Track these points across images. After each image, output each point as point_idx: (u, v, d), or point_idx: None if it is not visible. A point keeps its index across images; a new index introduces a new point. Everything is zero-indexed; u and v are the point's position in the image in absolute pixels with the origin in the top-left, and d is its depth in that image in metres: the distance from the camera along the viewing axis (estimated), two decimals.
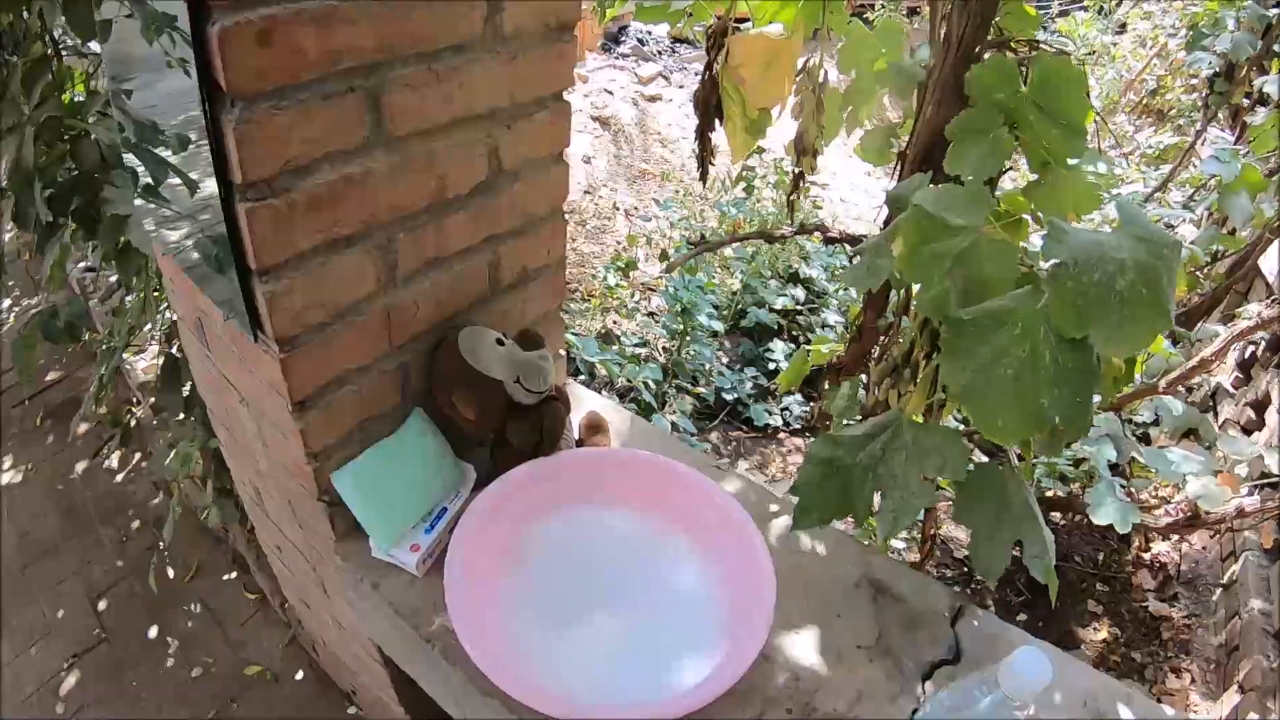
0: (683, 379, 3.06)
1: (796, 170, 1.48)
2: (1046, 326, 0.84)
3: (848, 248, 1.39)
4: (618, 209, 4.52)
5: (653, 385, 2.89)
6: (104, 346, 1.87)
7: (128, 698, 2.01)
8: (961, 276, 0.91)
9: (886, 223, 1.21)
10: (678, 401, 2.93)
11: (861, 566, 1.20)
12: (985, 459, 1.02)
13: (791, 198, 1.54)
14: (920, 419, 1.11)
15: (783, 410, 3.17)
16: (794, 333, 3.43)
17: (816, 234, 1.48)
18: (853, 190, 5.22)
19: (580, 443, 1.32)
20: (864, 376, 1.63)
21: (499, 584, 1.10)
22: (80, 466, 2.62)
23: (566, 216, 1.29)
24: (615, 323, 3.47)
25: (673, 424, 2.77)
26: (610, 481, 1.18)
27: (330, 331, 1.02)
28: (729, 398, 3.10)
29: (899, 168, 1.38)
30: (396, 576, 1.19)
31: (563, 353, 1.46)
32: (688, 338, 3.06)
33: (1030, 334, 0.85)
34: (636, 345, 3.18)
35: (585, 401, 1.49)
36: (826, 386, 1.68)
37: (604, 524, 1.18)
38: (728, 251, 3.70)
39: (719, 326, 3.14)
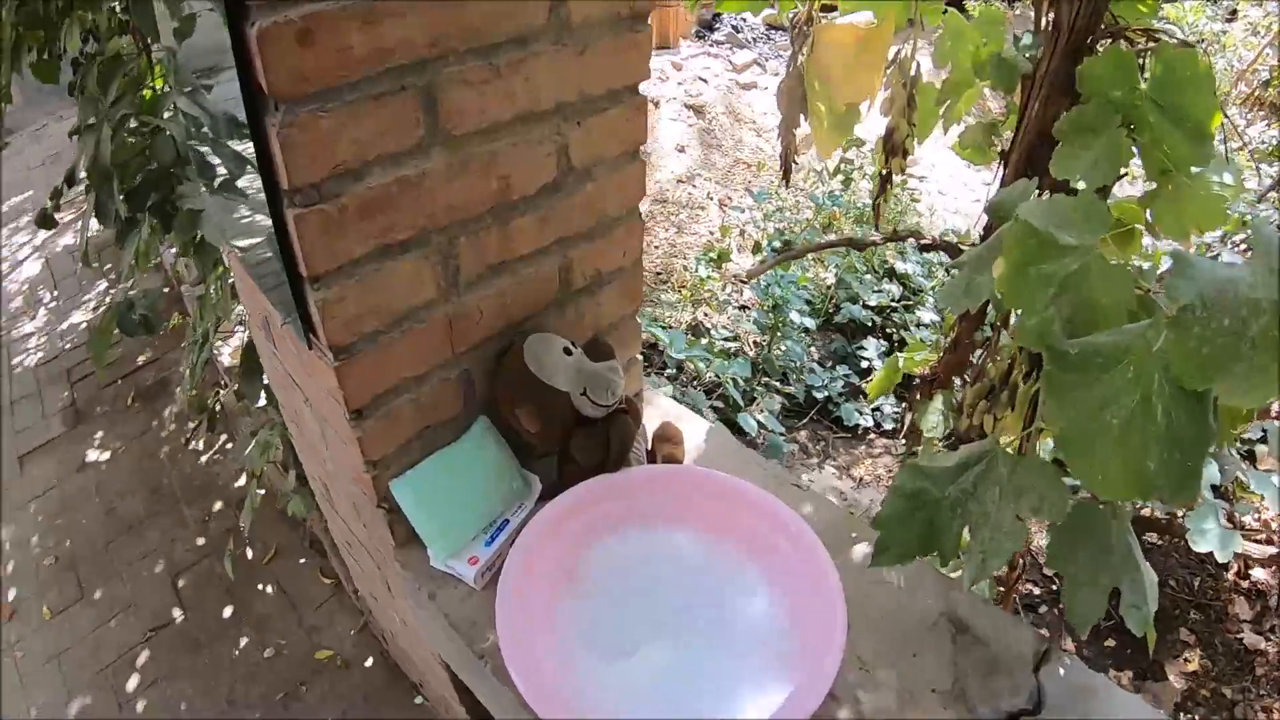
0: (772, 376, 2.96)
1: (884, 171, 1.37)
2: (1163, 374, 0.72)
3: (945, 256, 1.27)
4: (711, 199, 4.42)
5: (740, 382, 2.80)
6: (193, 335, 1.90)
7: (201, 674, 2.05)
8: (1069, 303, 0.80)
9: (987, 231, 1.10)
10: (766, 400, 2.83)
11: (942, 602, 1.10)
12: (1085, 495, 0.90)
13: (877, 201, 1.43)
14: (1014, 443, 1.00)
15: (874, 410, 3.04)
16: (888, 330, 3.28)
17: (909, 240, 1.36)
18: (951, 182, 4.99)
19: (651, 454, 1.25)
20: (957, 391, 1.52)
21: (554, 606, 1.04)
22: (167, 448, 2.69)
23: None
24: (706, 315, 3.39)
25: (759, 423, 2.68)
26: (677, 502, 1.11)
27: (387, 339, 0.97)
28: (819, 396, 2.99)
29: (1001, 168, 1.26)
30: (454, 588, 1.14)
31: (639, 357, 1.39)
32: (778, 334, 2.95)
33: (1143, 380, 0.73)
34: (726, 339, 3.09)
35: (659, 408, 1.42)
36: (918, 398, 1.57)
37: (669, 546, 1.11)
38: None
39: (811, 323, 3.02)
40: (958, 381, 1.53)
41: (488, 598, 1.12)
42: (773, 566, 1.07)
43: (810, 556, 1.04)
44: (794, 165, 1.39)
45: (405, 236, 0.91)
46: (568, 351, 1.07)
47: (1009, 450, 0.94)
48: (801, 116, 1.34)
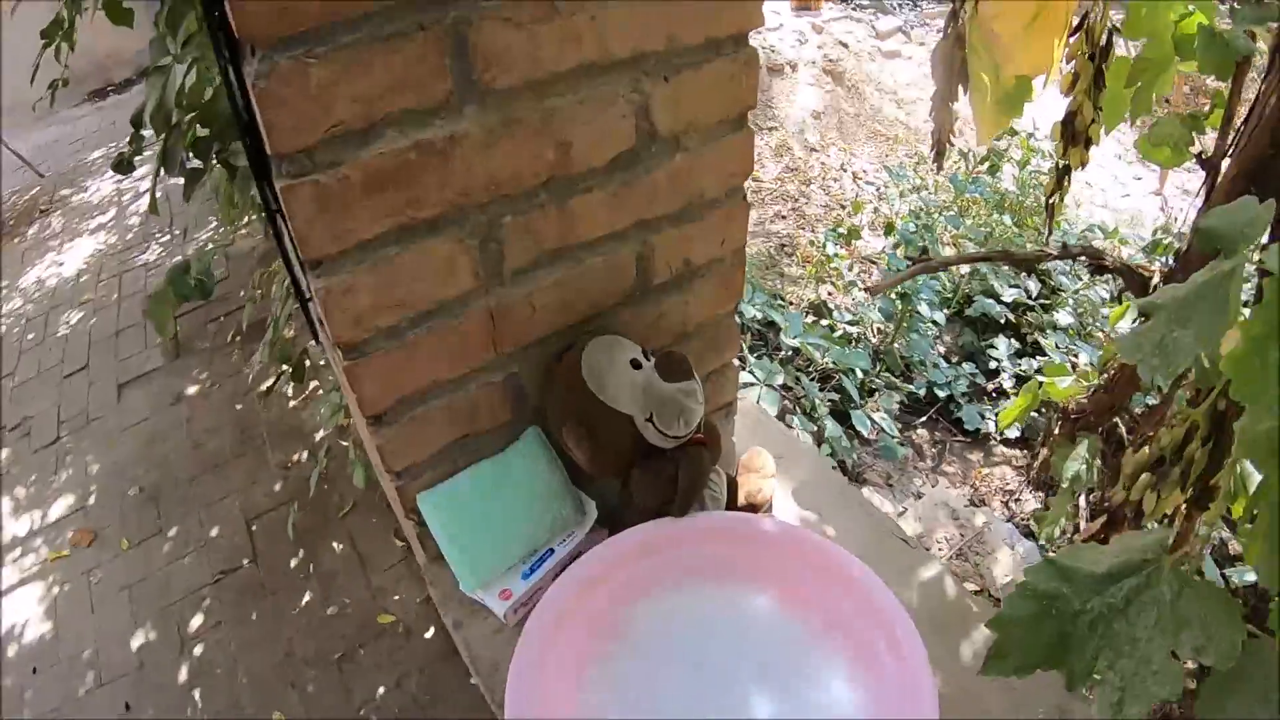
0: (893, 370, 2.65)
1: (1062, 163, 1.07)
2: None
3: (1112, 279, 0.98)
4: (845, 170, 4.07)
5: (859, 373, 2.51)
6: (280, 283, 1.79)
7: (263, 623, 1.99)
8: None
9: (1184, 261, 0.80)
10: (884, 397, 2.54)
11: (1055, 715, 0.86)
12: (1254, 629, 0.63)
13: (1051, 200, 1.13)
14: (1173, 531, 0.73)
15: (997, 415, 2.70)
16: (1022, 330, 2.91)
17: (1080, 259, 1.06)
18: (1100, 173, 4.43)
19: (733, 485, 1.03)
20: (1105, 431, 1.22)
21: (586, 664, 0.84)
22: (260, 389, 2.64)
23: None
24: (830, 294, 3.09)
25: (873, 421, 2.41)
26: (749, 559, 0.89)
27: (412, 337, 0.78)
28: (941, 394, 2.67)
29: (1208, 180, 0.94)
30: (484, 619, 0.97)
31: (736, 361, 1.16)
32: (904, 325, 2.64)
33: None
34: (849, 323, 2.80)
35: (753, 424, 1.19)
36: (1056, 432, 1.28)
37: (732, 610, 0.89)
38: (952, 228, 3.18)
39: (940, 317, 2.69)
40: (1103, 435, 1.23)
41: (518, 634, 0.94)
42: (857, 655, 0.83)
43: (904, 652, 0.80)
44: (949, 143, 1.10)
45: (431, 214, 0.71)
46: (636, 365, 0.85)
47: (1177, 566, 0.67)
48: (960, 89, 1.05)
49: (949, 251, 3.12)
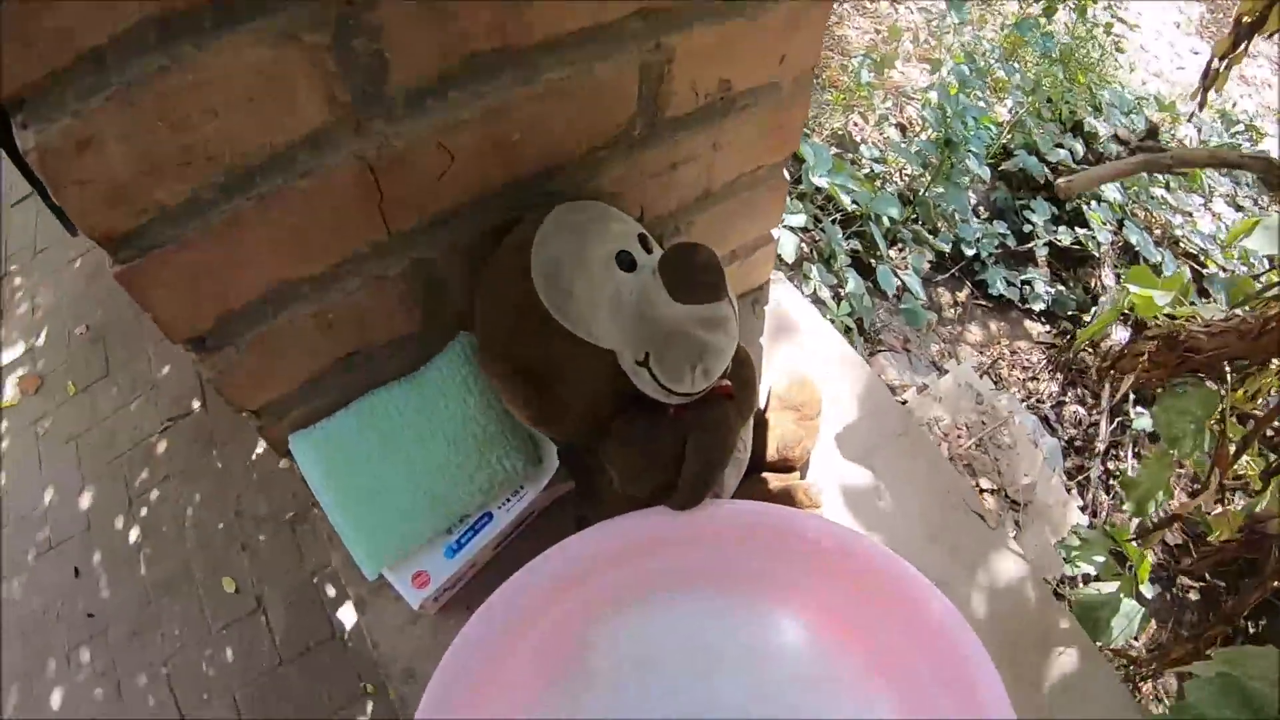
0: (925, 222, 2.24)
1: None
2: None
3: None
4: None
5: (887, 221, 2.11)
6: None
7: (212, 478, 1.74)
8: None
9: None
10: (913, 254, 2.15)
11: None
12: None
13: (1209, 83, 0.70)
14: None
15: (1024, 284, 2.34)
16: (1061, 195, 2.48)
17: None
18: (1157, 41, 3.73)
19: (760, 427, 0.69)
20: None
21: (535, 701, 0.54)
22: None
23: None
24: (856, 126, 2.61)
25: (901, 284, 2.04)
26: (775, 570, 0.56)
27: (227, 214, 0.42)
28: (968, 251, 2.28)
29: None
30: (394, 601, 0.67)
31: (775, 233, 0.79)
32: (944, 174, 2.19)
33: None
34: (874, 160, 2.35)
35: (784, 315, 0.83)
36: (1146, 360, 0.93)
37: (742, 634, 0.57)
38: (1002, 73, 2.64)
39: (986, 173, 2.24)
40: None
41: (442, 627, 0.65)
42: (908, 690, 0.53)
43: (975, 689, 0.49)
44: None
45: None
46: (626, 261, 0.49)
47: None
48: None
49: (989, 98, 2.60)
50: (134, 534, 1.68)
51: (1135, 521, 1.38)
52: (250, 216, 0.43)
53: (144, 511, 1.69)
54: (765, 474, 0.68)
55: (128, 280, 0.42)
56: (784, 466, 0.68)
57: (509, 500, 0.64)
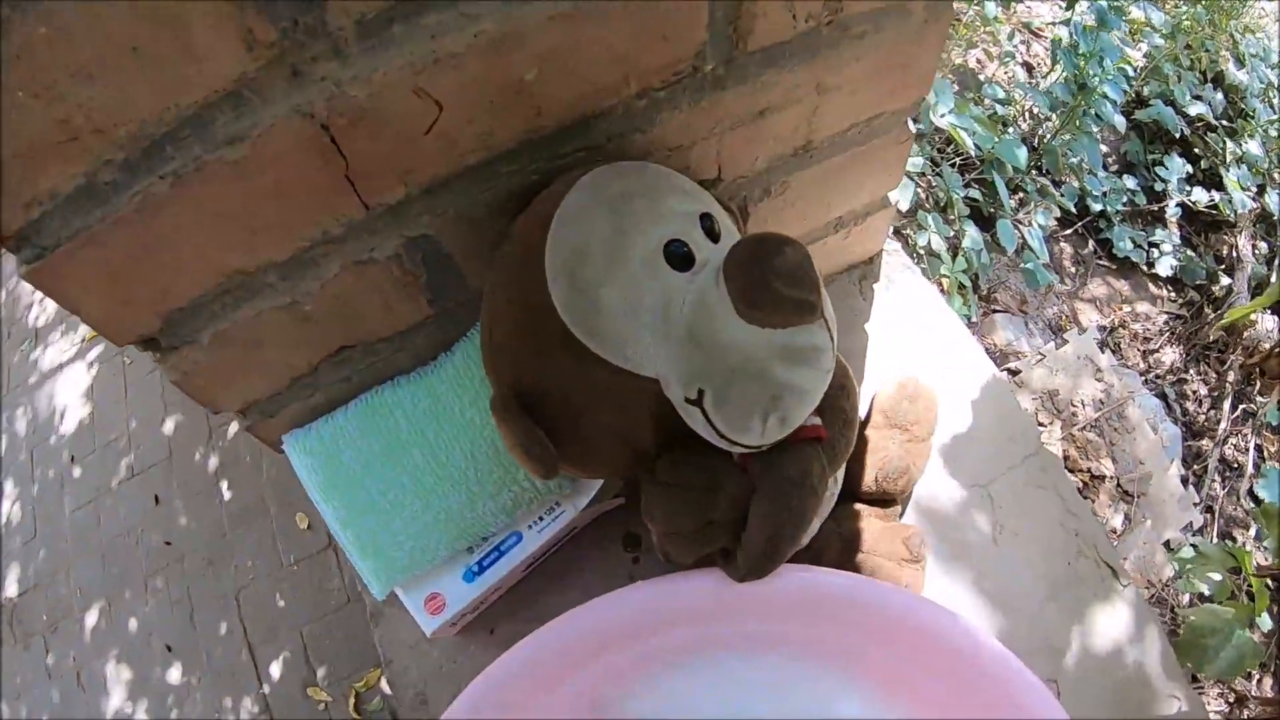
0: (1052, 172, 1.97)
1: None
2: None
3: None
4: None
5: (1010, 170, 1.86)
6: None
7: None
8: None
9: None
10: (1038, 209, 1.89)
11: None
12: None
13: None
14: None
15: (1151, 245, 2.05)
16: (1196, 153, 2.14)
17: None
18: None
19: (859, 445, 0.54)
20: None
21: None
22: None
23: None
24: (979, 63, 2.32)
25: (1023, 241, 1.80)
26: (844, 643, 0.42)
27: (135, 196, 0.30)
28: (1094, 206, 2.00)
29: None
30: (410, 618, 0.56)
31: (893, 195, 0.63)
32: (1074, 120, 1.90)
33: None
34: (998, 101, 2.08)
35: (903, 307, 0.67)
36: None
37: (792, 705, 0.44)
38: (1138, 12, 2.27)
39: (1121, 122, 1.93)
40: None
41: (462, 650, 0.55)
42: None
43: None
44: None
45: None
46: (681, 256, 0.34)
47: None
48: None
49: (1125, 40, 2.24)
50: (213, 464, 1.67)
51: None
52: (167, 199, 0.31)
53: (223, 443, 1.67)
54: (859, 506, 0.54)
55: (38, 282, 0.32)
56: (882, 500, 0.53)
57: (541, 520, 0.52)
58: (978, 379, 0.63)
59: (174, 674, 1.51)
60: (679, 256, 0.34)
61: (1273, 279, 1.84)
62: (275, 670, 1.47)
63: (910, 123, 0.54)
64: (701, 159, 0.45)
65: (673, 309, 0.33)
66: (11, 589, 1.63)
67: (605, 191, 0.35)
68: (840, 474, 0.48)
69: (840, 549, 0.51)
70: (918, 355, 0.64)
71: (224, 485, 1.65)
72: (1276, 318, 1.81)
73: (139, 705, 1.50)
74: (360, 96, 0.31)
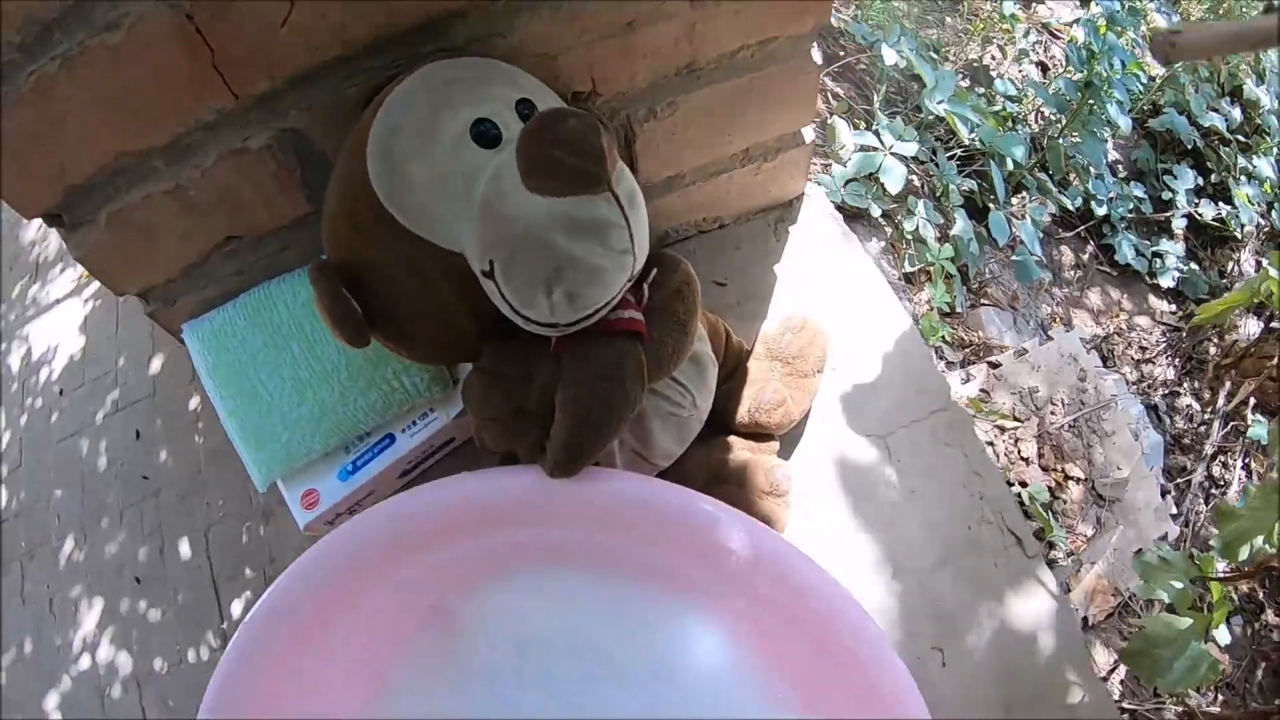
0: (1054, 171, 1.97)
1: None
2: None
3: None
4: None
5: (1010, 164, 1.86)
6: None
7: None
8: None
9: None
10: (1033, 205, 1.89)
11: None
12: None
13: None
14: None
15: (1154, 256, 2.04)
16: (1208, 166, 2.14)
17: None
18: None
19: (739, 376, 0.57)
20: None
21: (386, 673, 0.47)
22: None
23: None
24: (994, 60, 2.32)
25: (1015, 237, 1.80)
26: (659, 555, 0.45)
27: (32, 76, 0.36)
28: (1098, 210, 2.01)
29: None
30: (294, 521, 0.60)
31: (807, 134, 0.65)
32: (1081, 119, 1.90)
33: None
34: (1008, 98, 2.08)
35: (818, 253, 0.70)
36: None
37: (652, 635, 0.47)
38: (1160, 20, 2.25)
39: (1127, 124, 1.93)
40: None
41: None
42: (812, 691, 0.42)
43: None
44: None
45: None
46: (487, 136, 0.37)
47: None
48: None
49: (1142, 51, 2.22)
50: (194, 403, 1.72)
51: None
52: (60, 80, 0.36)
53: None
54: (733, 438, 0.56)
55: None
56: (758, 433, 0.56)
57: (415, 424, 0.56)
58: (891, 330, 0.64)
59: (141, 605, 1.56)
60: (488, 137, 0.37)
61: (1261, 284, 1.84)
62: (236, 608, 1.52)
63: (814, 53, 0.56)
64: (572, 69, 0.48)
65: (475, 185, 0.36)
66: None
67: (433, 79, 0.38)
68: (707, 399, 0.51)
69: (705, 479, 0.54)
70: (827, 300, 0.65)
71: (201, 425, 1.70)
72: (1259, 321, 1.80)
73: (104, 634, 1.56)
74: None
